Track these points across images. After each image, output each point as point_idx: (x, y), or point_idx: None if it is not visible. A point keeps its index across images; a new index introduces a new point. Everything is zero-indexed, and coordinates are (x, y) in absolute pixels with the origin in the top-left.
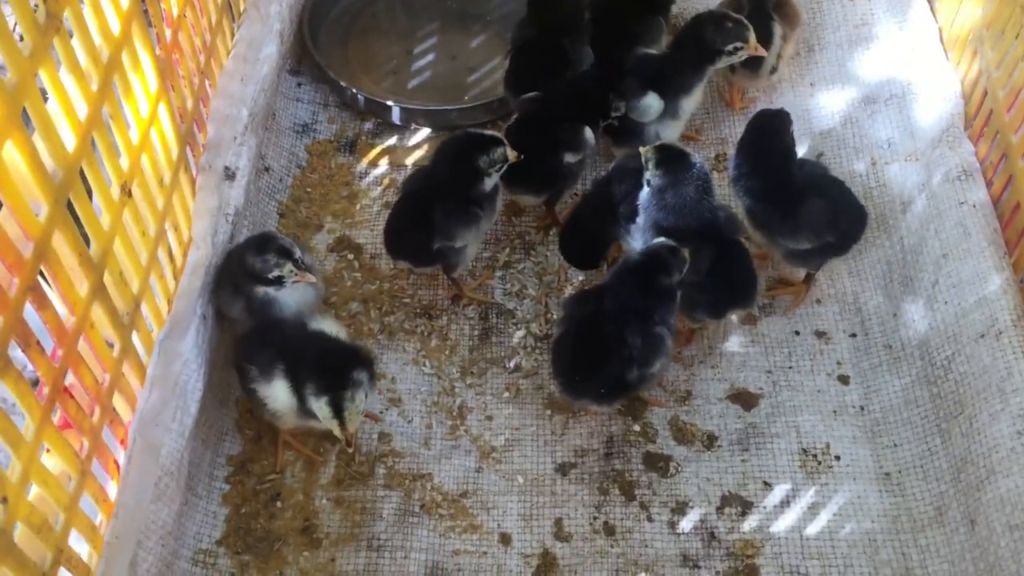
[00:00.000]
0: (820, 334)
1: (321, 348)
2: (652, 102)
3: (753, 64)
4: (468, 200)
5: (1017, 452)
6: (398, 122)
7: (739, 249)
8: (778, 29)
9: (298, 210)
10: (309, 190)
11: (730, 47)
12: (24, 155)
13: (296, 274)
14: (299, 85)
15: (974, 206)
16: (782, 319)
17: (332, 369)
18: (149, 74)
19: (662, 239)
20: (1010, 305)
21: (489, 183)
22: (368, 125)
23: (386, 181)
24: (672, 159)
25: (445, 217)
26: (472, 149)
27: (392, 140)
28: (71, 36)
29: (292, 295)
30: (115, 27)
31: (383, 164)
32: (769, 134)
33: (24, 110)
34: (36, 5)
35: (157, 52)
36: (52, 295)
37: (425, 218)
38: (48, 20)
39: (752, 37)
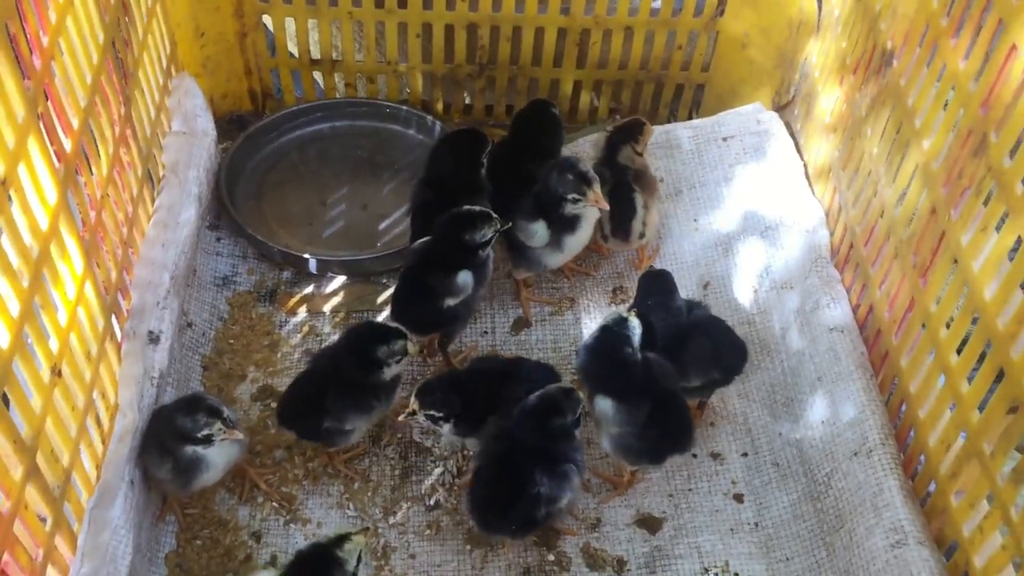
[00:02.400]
0: (715, 455)
1: None
2: (539, 229)
3: (621, 234)
4: (365, 389)
5: (891, 564)
6: (314, 271)
7: (675, 399)
8: (639, 199)
9: (221, 362)
10: (232, 341)
11: (570, 196)
12: None
13: (224, 432)
14: (218, 240)
15: (842, 332)
16: None
17: None
18: (76, 259)
19: (558, 385)
20: (878, 424)
21: (388, 373)
22: (286, 275)
23: (305, 328)
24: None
25: (339, 403)
26: (373, 341)
27: (309, 288)
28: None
29: (219, 453)
30: (43, 223)
31: (302, 312)
32: (656, 293)
33: None
34: None
35: (82, 234)
36: None
37: (319, 400)
38: None
39: (591, 192)
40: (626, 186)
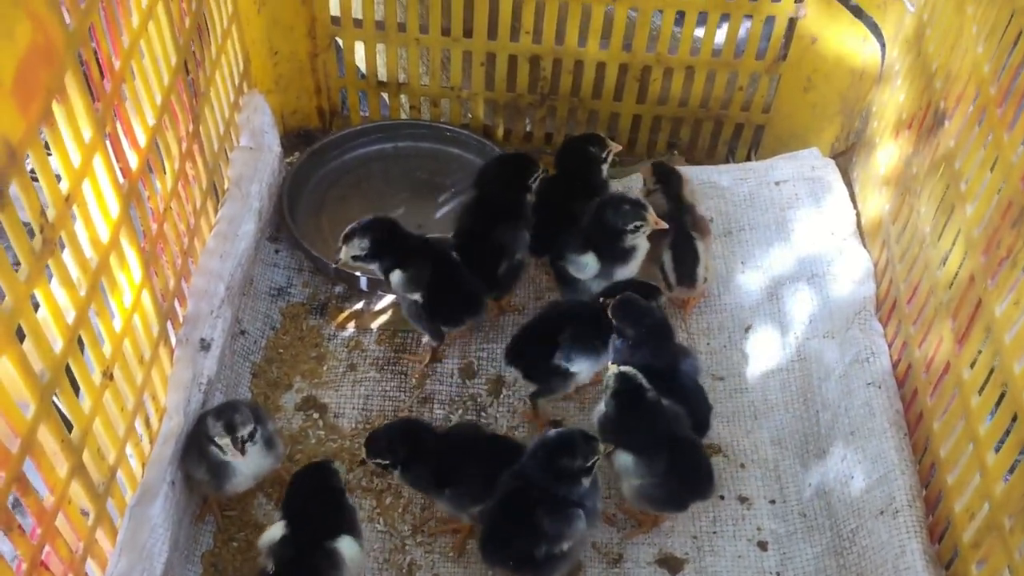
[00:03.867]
0: (743, 499)
1: None
2: (590, 261)
3: (688, 281)
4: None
5: None
6: (365, 289)
7: (692, 446)
8: (700, 245)
9: (270, 370)
10: (281, 351)
11: (630, 226)
12: (14, 363)
13: (229, 450)
14: (277, 251)
15: (879, 387)
16: None
17: None
18: (134, 268)
19: (581, 430)
20: (907, 485)
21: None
22: (339, 290)
23: (352, 343)
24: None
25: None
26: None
27: (359, 305)
28: (62, 248)
29: (246, 463)
30: (104, 235)
31: (350, 327)
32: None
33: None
34: (32, 233)
35: (143, 245)
36: (33, 477)
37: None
38: (44, 246)
39: (649, 215)
40: (686, 234)
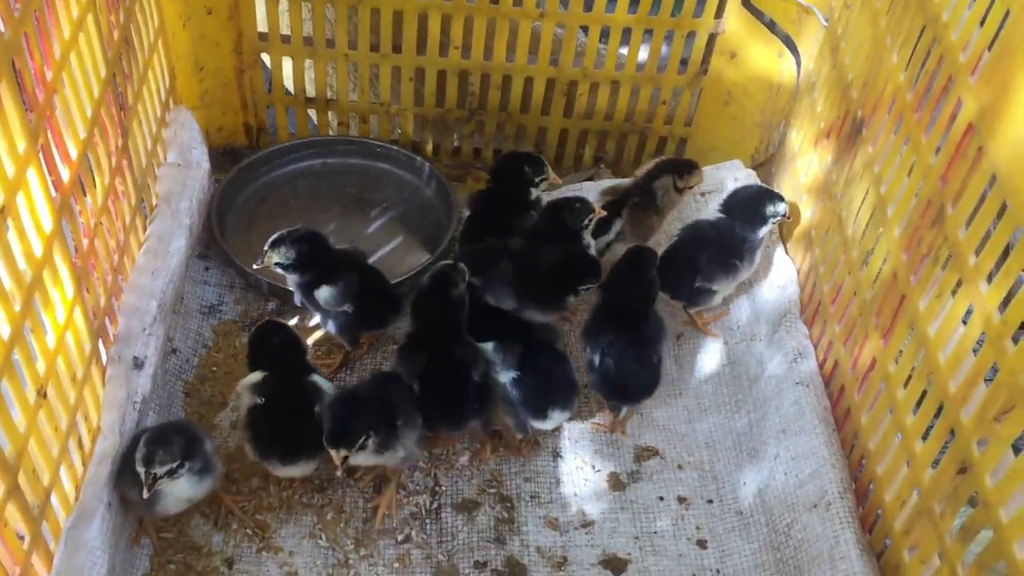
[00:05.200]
0: (682, 499)
1: None
2: None
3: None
4: None
5: None
6: (299, 304)
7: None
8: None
9: (203, 388)
10: (214, 369)
11: (584, 222)
12: None
13: (145, 488)
14: (207, 269)
15: (807, 386)
16: (648, 484)
17: None
18: (67, 284)
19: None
20: (837, 478)
21: None
22: (272, 306)
23: None
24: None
25: None
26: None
27: (294, 320)
28: None
29: (176, 487)
30: (38, 249)
31: None
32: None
33: None
34: None
35: (75, 260)
36: None
37: None
38: None
39: (592, 209)
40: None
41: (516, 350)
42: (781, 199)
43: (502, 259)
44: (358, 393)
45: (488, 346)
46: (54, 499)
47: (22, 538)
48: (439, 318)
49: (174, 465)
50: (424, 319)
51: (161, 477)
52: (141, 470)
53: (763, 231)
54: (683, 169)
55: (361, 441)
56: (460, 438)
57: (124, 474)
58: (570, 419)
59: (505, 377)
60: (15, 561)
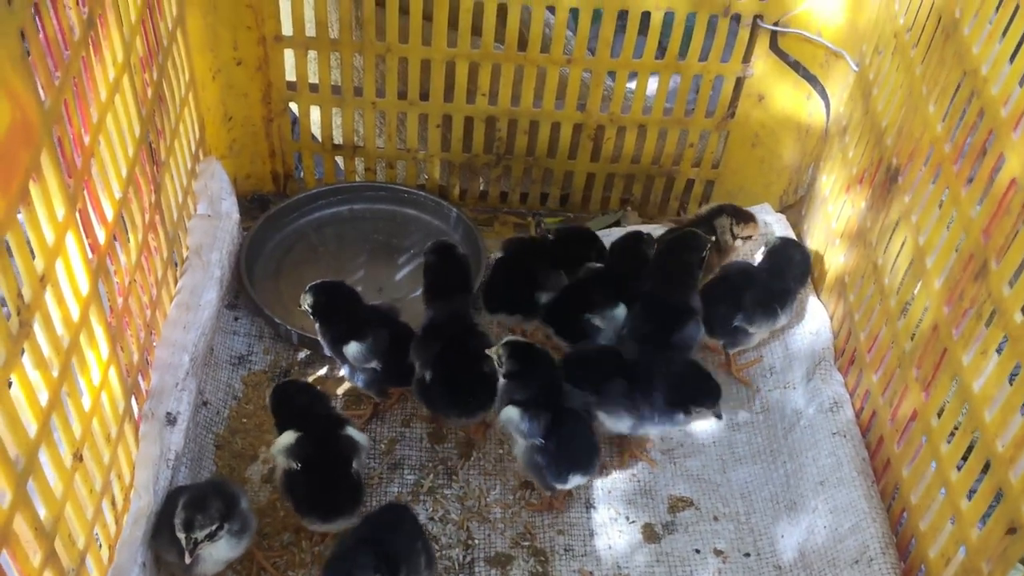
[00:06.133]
0: (718, 552)
1: None
2: (620, 312)
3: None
4: None
5: None
6: (329, 354)
7: (578, 418)
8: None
9: (234, 441)
10: (245, 420)
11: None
12: None
13: (186, 554)
14: (236, 319)
15: (844, 436)
16: (684, 536)
17: None
18: (102, 345)
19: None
20: (879, 533)
21: None
22: (301, 355)
23: None
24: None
25: None
26: None
27: (323, 371)
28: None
29: (215, 550)
30: (75, 313)
31: None
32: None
33: None
34: (9, 314)
35: (109, 320)
36: (8, 567)
37: None
38: (20, 328)
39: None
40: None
41: (544, 418)
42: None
43: (614, 374)
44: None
45: (514, 412)
46: (88, 560)
47: None
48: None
49: (214, 528)
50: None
51: (202, 542)
52: (182, 535)
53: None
54: (742, 217)
55: None
56: (490, 489)
57: (160, 534)
58: (600, 471)
59: (525, 443)
60: None
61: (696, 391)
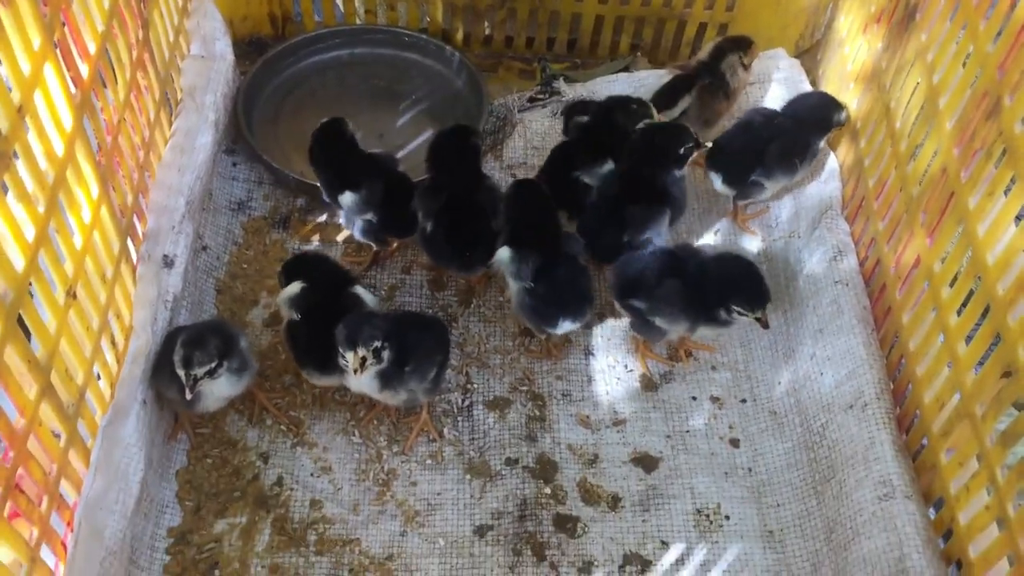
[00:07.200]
0: (715, 399)
1: None
2: (608, 169)
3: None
4: None
5: (878, 516)
6: (328, 200)
7: (574, 262)
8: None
9: (234, 286)
10: (245, 266)
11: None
12: None
13: (185, 388)
14: (235, 164)
15: (846, 285)
16: (681, 385)
17: None
18: (91, 183)
19: None
20: (875, 379)
21: None
22: (300, 202)
23: None
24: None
25: None
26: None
27: (323, 217)
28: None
29: (216, 386)
30: (59, 148)
31: (315, 240)
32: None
33: None
34: None
35: (98, 159)
36: (2, 399)
37: None
38: None
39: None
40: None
41: (532, 261)
42: (843, 107)
43: (664, 277)
44: (388, 316)
45: (506, 253)
46: (90, 398)
47: (58, 436)
48: (456, 168)
49: (213, 365)
50: (441, 170)
51: (201, 378)
52: (181, 372)
53: (825, 139)
54: (743, 45)
55: (376, 345)
56: (489, 336)
57: (160, 373)
58: (600, 319)
59: (517, 286)
60: (52, 459)
61: (746, 294)
